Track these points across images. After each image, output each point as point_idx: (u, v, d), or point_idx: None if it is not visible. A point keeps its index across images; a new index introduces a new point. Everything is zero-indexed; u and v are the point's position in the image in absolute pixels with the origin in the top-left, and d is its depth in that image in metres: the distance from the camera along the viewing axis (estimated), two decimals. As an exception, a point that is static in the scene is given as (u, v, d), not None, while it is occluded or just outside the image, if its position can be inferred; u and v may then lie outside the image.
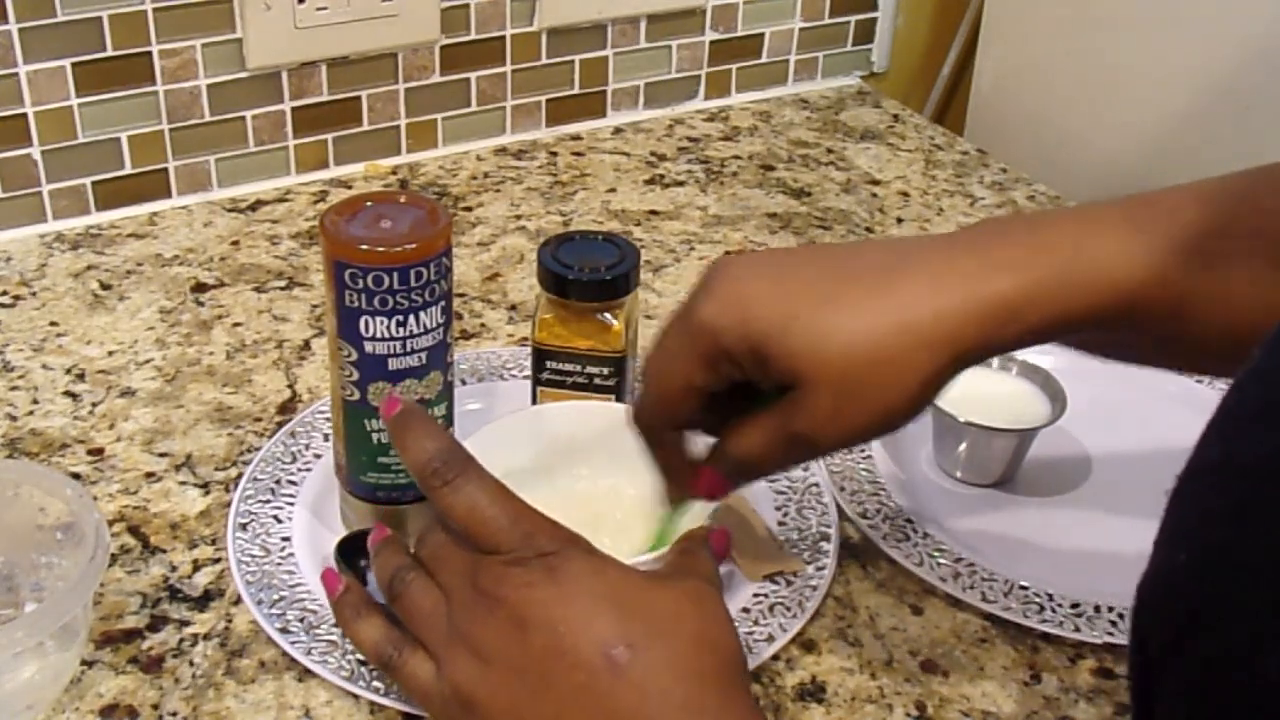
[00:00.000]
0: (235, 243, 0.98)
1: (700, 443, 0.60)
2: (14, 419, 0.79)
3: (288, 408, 0.81)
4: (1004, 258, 0.53)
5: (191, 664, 0.63)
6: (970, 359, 0.53)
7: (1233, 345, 0.52)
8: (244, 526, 0.70)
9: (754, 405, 0.56)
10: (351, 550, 0.66)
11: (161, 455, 0.76)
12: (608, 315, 0.71)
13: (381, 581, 0.57)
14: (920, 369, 0.52)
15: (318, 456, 0.74)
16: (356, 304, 0.62)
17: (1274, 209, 0.53)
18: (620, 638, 0.49)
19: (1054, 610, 0.67)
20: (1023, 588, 0.68)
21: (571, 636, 0.50)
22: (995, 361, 0.78)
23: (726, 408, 0.57)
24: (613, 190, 1.07)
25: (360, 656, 0.62)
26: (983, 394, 0.76)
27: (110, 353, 0.85)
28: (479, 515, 0.53)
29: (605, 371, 0.71)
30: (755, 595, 0.67)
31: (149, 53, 0.96)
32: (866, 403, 0.53)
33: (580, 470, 0.68)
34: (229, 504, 0.72)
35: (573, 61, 1.14)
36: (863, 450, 0.77)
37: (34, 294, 0.91)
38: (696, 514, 0.61)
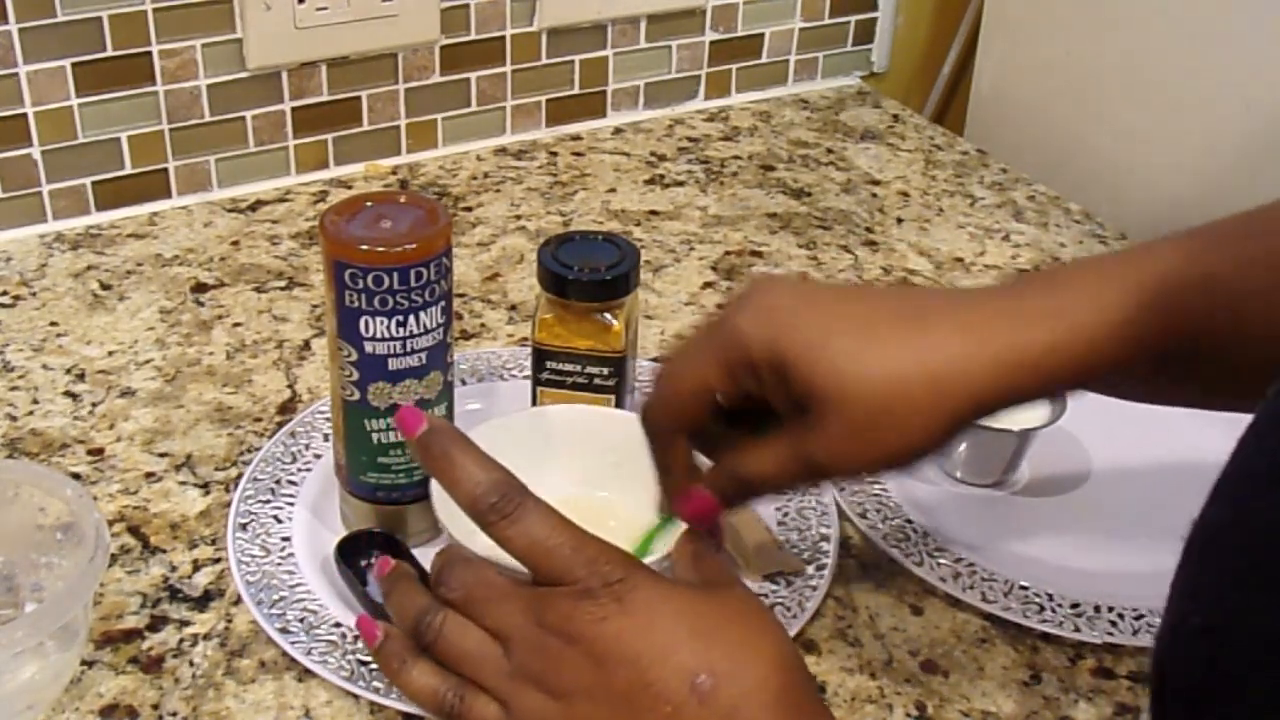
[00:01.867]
0: (235, 243, 0.98)
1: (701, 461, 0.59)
2: (14, 419, 0.79)
3: (288, 408, 0.81)
4: (1031, 312, 0.53)
5: (191, 664, 0.63)
6: (991, 408, 0.54)
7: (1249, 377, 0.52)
8: (244, 526, 0.70)
9: (758, 432, 0.56)
10: (351, 550, 0.66)
11: (161, 455, 0.76)
12: (608, 315, 0.71)
13: (405, 625, 0.55)
14: (940, 414, 0.53)
15: (318, 456, 0.74)
16: (356, 304, 0.62)
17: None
18: (703, 666, 0.49)
19: (1054, 610, 0.67)
20: (1023, 588, 0.68)
21: (655, 669, 0.49)
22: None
23: (728, 433, 0.57)
24: (613, 190, 1.07)
25: (363, 656, 0.62)
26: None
27: (110, 353, 0.85)
28: (541, 547, 0.52)
29: (605, 371, 0.71)
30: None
31: (149, 53, 0.96)
32: (882, 438, 0.53)
33: (571, 476, 0.68)
34: (229, 504, 0.72)
35: (573, 61, 1.14)
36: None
37: (34, 294, 0.91)
38: (679, 531, 0.60)
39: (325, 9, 1.00)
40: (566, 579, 0.51)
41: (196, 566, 0.69)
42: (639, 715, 0.49)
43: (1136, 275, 0.53)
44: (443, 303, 0.64)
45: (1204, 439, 0.81)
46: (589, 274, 0.70)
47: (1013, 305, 0.54)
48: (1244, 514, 0.36)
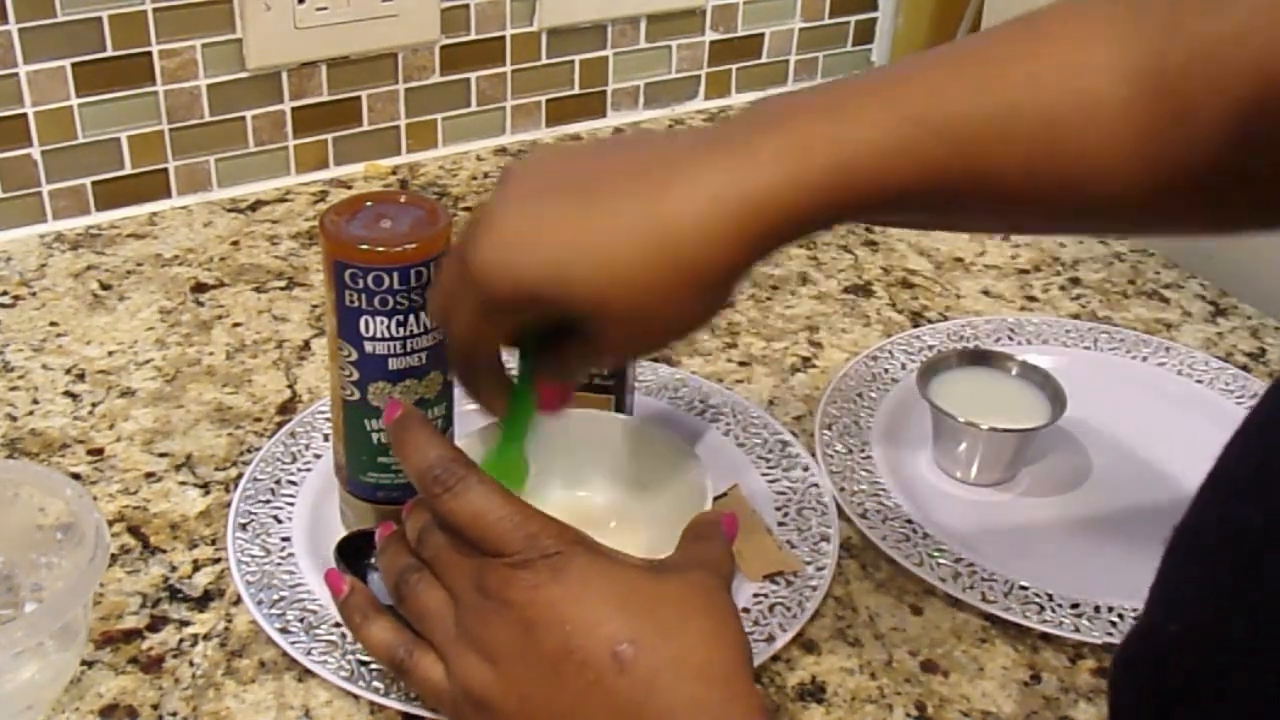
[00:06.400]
0: (235, 243, 0.98)
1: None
2: (14, 419, 0.79)
3: (288, 408, 0.81)
4: (768, 153, 0.51)
5: (191, 664, 0.63)
6: (758, 253, 0.52)
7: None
8: (244, 526, 0.70)
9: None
10: (351, 550, 0.66)
11: (161, 455, 0.76)
12: (608, 315, 0.71)
13: (388, 581, 0.57)
14: (698, 282, 0.52)
15: (318, 456, 0.74)
16: (356, 304, 0.62)
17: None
18: (626, 635, 0.50)
19: (1054, 610, 0.67)
20: (1023, 588, 0.68)
21: (579, 635, 0.50)
22: (995, 362, 0.78)
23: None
24: (613, 190, 1.07)
25: (363, 656, 0.62)
26: (983, 394, 0.76)
27: (110, 353, 0.85)
28: (482, 520, 0.53)
29: (604, 371, 0.71)
30: (755, 595, 0.67)
31: (149, 53, 0.96)
32: (658, 323, 0.54)
33: (571, 481, 0.67)
34: (229, 504, 0.72)
35: (573, 61, 1.14)
36: (863, 451, 0.77)
37: (34, 294, 0.91)
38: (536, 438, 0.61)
39: (325, 9, 1.00)
40: (507, 550, 0.52)
41: (196, 566, 0.69)
42: (564, 682, 0.50)
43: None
44: (443, 303, 0.64)
45: (1205, 438, 0.81)
46: (589, 274, 0.70)
47: (741, 151, 0.51)
48: (1225, 515, 0.35)
